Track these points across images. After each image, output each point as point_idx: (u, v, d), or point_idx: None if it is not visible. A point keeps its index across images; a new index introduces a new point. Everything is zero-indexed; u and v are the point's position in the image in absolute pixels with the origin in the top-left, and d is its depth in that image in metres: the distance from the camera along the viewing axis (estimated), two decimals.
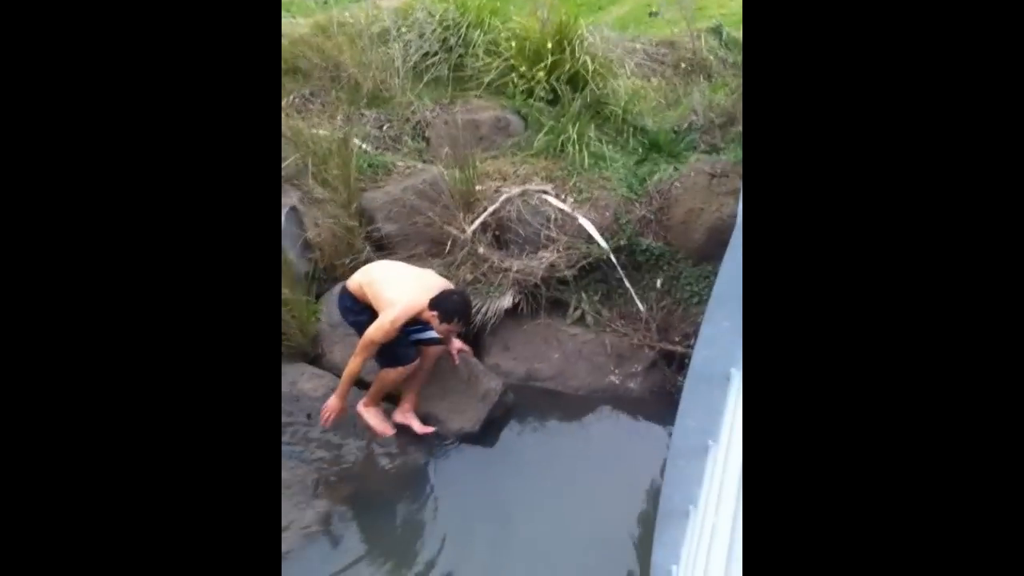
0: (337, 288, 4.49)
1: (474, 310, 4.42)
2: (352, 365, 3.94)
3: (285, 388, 4.13)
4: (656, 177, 5.06)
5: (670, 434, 3.86)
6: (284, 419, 4.00)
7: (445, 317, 3.90)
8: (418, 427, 4.13)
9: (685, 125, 5.48)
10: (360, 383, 4.15)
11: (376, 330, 3.85)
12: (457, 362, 4.28)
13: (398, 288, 3.94)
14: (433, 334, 4.04)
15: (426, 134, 5.38)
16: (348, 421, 4.09)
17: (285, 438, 3.97)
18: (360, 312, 3.99)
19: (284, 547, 3.52)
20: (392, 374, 4.02)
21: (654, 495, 3.68)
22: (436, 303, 3.90)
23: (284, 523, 3.61)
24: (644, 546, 3.55)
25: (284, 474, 3.80)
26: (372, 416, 4.09)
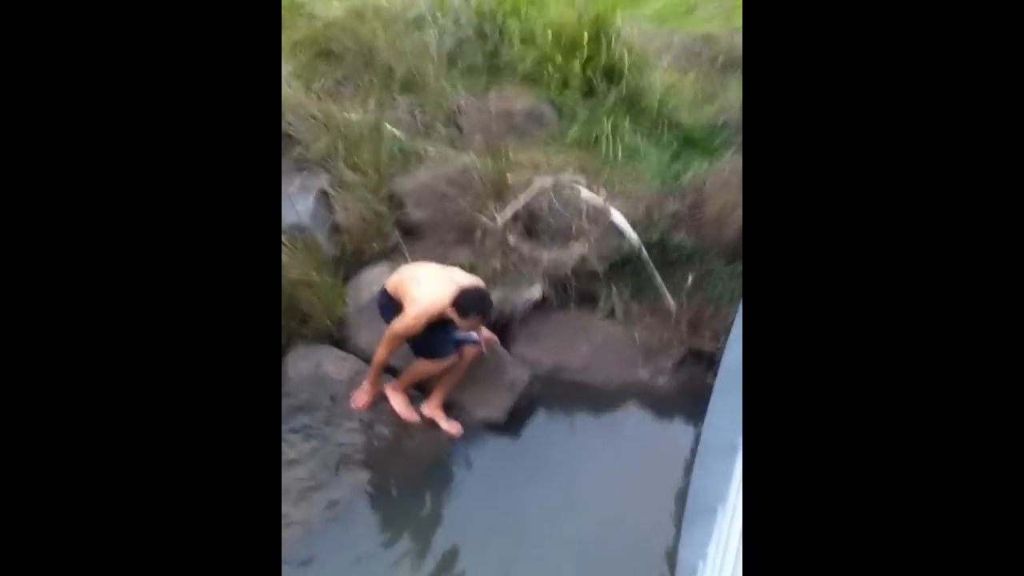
0: (368, 273, 4.52)
1: (497, 302, 4.39)
2: (378, 355, 4.01)
3: (310, 370, 4.11)
4: (690, 173, 5.00)
5: (698, 432, 3.82)
6: (308, 401, 3.99)
7: (463, 312, 3.93)
8: (444, 424, 4.13)
9: (721, 121, 5.41)
10: (390, 369, 4.16)
11: (398, 323, 3.93)
12: (485, 351, 4.24)
13: (425, 286, 4.00)
14: (472, 336, 4.06)
15: (459, 122, 5.33)
16: (375, 405, 4.08)
17: (308, 419, 3.94)
18: (395, 310, 4.04)
19: (303, 528, 3.52)
20: (426, 366, 4.05)
21: (681, 492, 3.63)
22: (455, 299, 3.93)
23: (304, 501, 3.61)
24: (670, 543, 3.50)
25: (306, 454, 3.80)
26: (398, 400, 4.10)
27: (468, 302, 3.94)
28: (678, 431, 4.19)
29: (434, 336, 3.98)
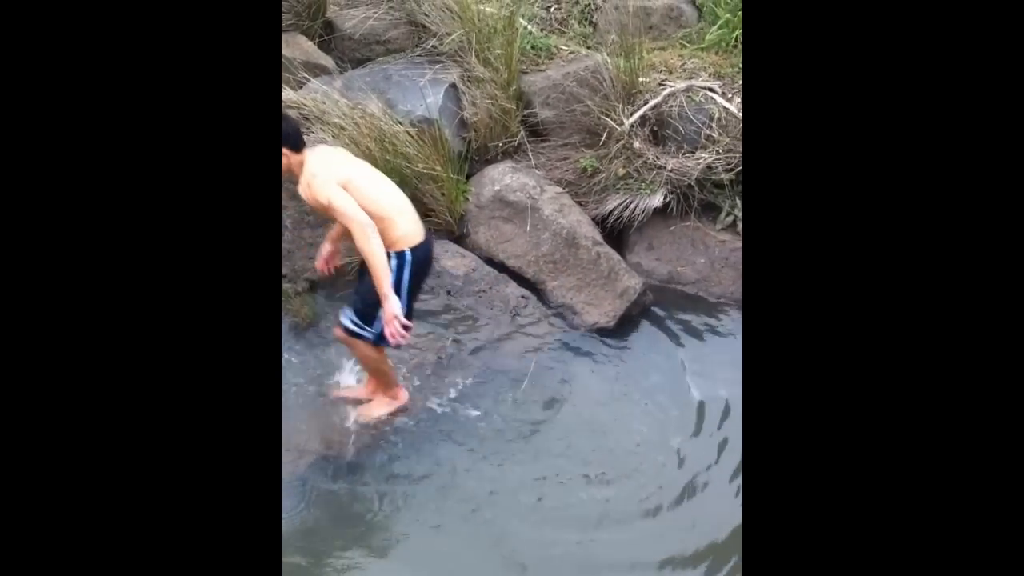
0: (491, 171, 4.54)
1: (617, 207, 4.42)
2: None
3: None
4: None
5: None
6: (425, 293, 4.12)
7: None
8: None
9: None
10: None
11: None
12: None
13: None
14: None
15: (594, 19, 5.20)
16: (487, 298, 4.20)
17: (425, 312, 4.10)
18: None
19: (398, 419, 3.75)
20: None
21: None
22: None
23: (409, 393, 3.80)
24: None
25: (423, 342, 3.98)
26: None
27: None
28: None
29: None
